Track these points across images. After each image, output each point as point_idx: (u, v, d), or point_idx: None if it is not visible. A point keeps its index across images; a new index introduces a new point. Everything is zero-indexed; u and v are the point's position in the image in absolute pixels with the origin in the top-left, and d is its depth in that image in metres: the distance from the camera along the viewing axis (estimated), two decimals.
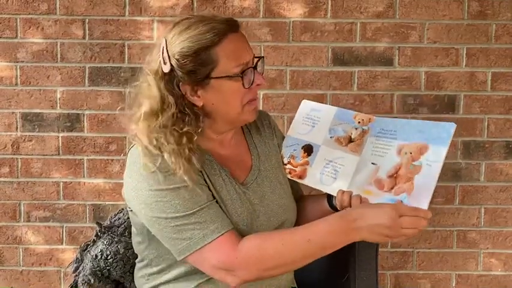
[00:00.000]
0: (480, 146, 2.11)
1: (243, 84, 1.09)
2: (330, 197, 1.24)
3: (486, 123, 2.10)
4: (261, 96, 2.07)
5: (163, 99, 1.06)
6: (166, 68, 1.06)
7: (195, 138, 1.07)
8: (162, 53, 1.06)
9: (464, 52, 2.07)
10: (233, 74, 1.07)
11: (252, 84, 1.10)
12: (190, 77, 1.07)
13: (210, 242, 1.04)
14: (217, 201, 1.10)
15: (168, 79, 1.07)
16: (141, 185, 1.06)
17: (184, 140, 1.06)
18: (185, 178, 1.03)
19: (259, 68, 1.13)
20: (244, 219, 1.13)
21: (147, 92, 1.08)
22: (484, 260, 2.15)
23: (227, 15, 2.03)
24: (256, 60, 1.13)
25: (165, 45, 1.06)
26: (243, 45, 1.10)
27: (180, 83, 1.07)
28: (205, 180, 1.10)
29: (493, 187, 2.13)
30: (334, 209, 1.22)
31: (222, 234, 1.05)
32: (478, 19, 2.06)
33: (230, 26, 1.08)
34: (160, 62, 1.07)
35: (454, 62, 2.08)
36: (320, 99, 2.05)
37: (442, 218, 2.13)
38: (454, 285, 2.16)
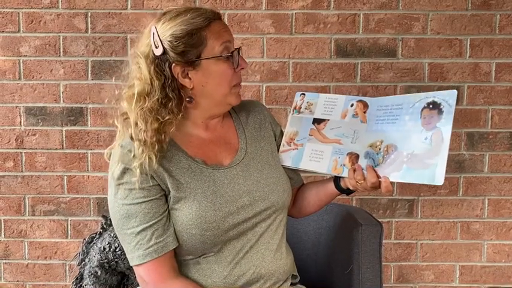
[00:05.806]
0: (484, 137, 2.10)
1: (231, 64, 1.17)
2: (336, 180, 1.27)
3: (490, 114, 2.09)
4: (264, 88, 2.07)
5: (152, 81, 1.14)
6: (158, 51, 1.13)
7: (172, 128, 1.14)
8: (153, 37, 1.13)
9: (468, 43, 2.06)
10: (220, 54, 1.15)
11: (237, 66, 1.18)
12: (182, 57, 1.14)
13: (137, 265, 1.13)
14: (169, 212, 1.15)
15: (158, 62, 1.14)
16: (109, 191, 1.16)
17: (162, 129, 1.13)
18: (140, 195, 1.11)
19: (241, 55, 1.22)
20: (222, 205, 1.15)
21: (138, 73, 1.15)
22: (487, 251, 2.15)
23: (230, 8, 2.03)
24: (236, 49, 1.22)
25: (156, 31, 1.14)
26: (227, 29, 1.20)
27: (173, 65, 1.14)
28: (166, 182, 1.14)
29: (497, 178, 2.12)
30: (341, 191, 1.26)
31: (143, 263, 1.12)
32: (482, 9, 2.05)
33: (215, 14, 1.18)
34: (151, 46, 1.14)
35: (458, 53, 2.07)
36: (323, 91, 2.05)
37: (445, 210, 2.13)
38: (457, 276, 2.16)
